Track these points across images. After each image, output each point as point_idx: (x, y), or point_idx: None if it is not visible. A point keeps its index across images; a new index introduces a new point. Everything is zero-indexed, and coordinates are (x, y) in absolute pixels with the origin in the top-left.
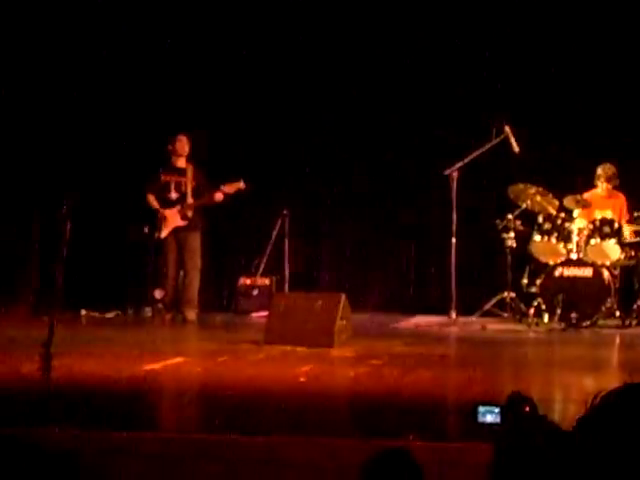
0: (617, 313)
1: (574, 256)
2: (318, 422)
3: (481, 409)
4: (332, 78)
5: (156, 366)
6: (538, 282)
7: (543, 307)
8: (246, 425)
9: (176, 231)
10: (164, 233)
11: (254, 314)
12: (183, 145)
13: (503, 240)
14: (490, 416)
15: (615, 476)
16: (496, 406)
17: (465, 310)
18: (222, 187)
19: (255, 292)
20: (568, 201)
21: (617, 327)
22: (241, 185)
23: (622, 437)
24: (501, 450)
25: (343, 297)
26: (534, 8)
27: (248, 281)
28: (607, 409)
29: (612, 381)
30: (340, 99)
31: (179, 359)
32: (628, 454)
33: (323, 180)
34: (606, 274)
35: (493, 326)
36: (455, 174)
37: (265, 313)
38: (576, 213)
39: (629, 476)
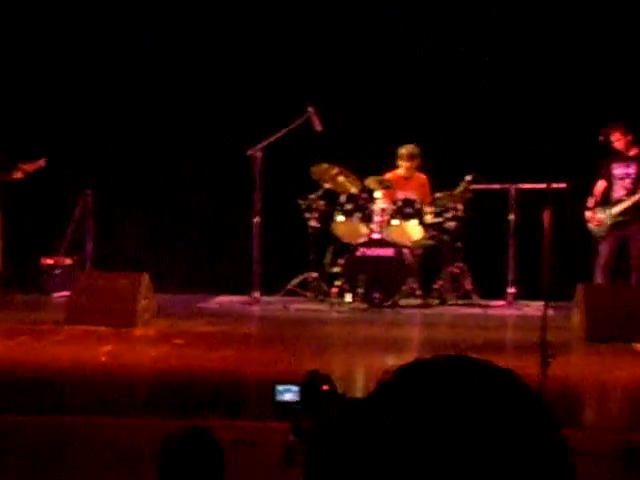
0: (418, 293)
1: (376, 236)
2: (118, 402)
3: (279, 388)
4: (140, 52)
5: None
6: (340, 262)
7: (345, 287)
8: (45, 405)
9: None
10: None
11: (56, 294)
12: None
13: (306, 220)
14: (288, 395)
15: (400, 453)
16: (295, 385)
17: (268, 290)
18: (22, 165)
19: (57, 272)
20: (370, 181)
21: (418, 307)
22: (42, 163)
23: (406, 412)
24: (298, 428)
25: (146, 277)
26: None
27: (50, 260)
28: (392, 385)
29: (412, 359)
30: (146, 76)
31: None
32: (411, 430)
33: (126, 159)
34: (407, 254)
35: (296, 306)
36: (258, 154)
37: (67, 293)
38: (378, 194)
39: (411, 453)
